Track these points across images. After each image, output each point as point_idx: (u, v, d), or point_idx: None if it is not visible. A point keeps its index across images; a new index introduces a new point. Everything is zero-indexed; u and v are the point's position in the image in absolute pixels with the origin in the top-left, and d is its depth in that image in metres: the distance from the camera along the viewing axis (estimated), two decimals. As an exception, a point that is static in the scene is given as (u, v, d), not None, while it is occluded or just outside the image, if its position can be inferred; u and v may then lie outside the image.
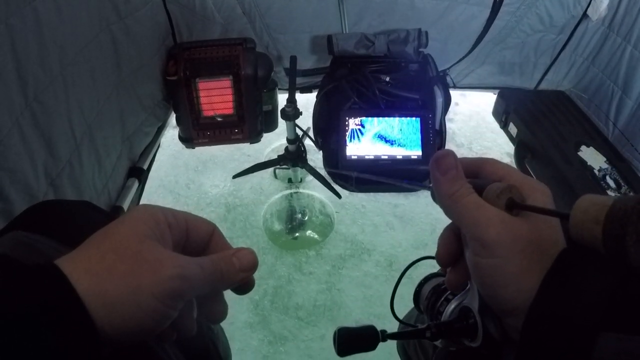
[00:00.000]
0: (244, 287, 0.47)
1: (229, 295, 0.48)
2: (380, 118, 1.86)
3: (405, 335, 0.62)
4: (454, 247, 0.49)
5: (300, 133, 1.93)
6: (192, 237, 0.45)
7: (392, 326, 0.57)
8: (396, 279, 0.78)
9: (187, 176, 2.29)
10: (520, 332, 0.39)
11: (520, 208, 0.42)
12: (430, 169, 0.46)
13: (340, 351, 0.53)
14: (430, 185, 0.48)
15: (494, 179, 0.46)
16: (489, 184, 0.44)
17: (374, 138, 1.84)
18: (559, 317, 0.36)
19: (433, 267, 0.71)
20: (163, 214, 0.42)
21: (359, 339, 0.53)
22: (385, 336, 0.54)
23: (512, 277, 0.40)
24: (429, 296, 0.64)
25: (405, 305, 0.81)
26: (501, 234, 0.40)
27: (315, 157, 2.22)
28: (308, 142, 2.10)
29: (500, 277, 0.40)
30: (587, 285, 0.37)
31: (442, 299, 0.60)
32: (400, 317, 0.81)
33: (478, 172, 0.48)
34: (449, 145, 2.20)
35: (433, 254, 0.72)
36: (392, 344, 0.95)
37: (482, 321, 0.47)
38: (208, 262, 0.42)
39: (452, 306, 0.54)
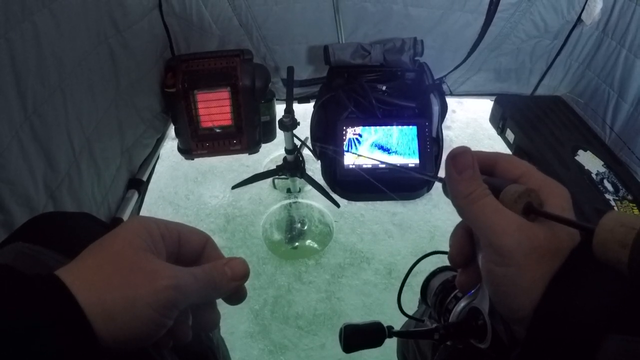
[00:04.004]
0: (236, 296, 0.47)
1: (229, 306, 0.49)
2: (377, 127, 1.87)
3: (413, 334, 0.60)
4: (467, 248, 0.47)
5: (298, 143, 1.93)
6: (185, 247, 0.46)
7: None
8: (396, 287, 0.77)
9: (187, 187, 2.29)
10: (526, 333, 0.38)
11: (540, 215, 0.40)
12: (445, 167, 0.44)
13: (346, 347, 0.52)
14: (443, 178, 0.46)
15: (511, 177, 0.44)
16: (505, 184, 0.42)
17: (372, 147, 1.85)
18: (565, 317, 0.36)
19: (432, 267, 0.72)
20: (156, 225, 0.43)
21: (365, 335, 0.53)
22: (391, 333, 0.53)
23: (526, 287, 0.38)
24: (437, 292, 0.63)
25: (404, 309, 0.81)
26: (518, 242, 0.38)
27: (313, 167, 2.23)
28: (306, 152, 2.11)
29: (513, 287, 0.39)
30: (595, 286, 0.36)
31: (451, 296, 0.59)
32: (400, 321, 0.81)
33: (493, 168, 0.46)
34: (446, 153, 2.21)
35: (433, 261, 0.72)
36: (391, 350, 0.96)
37: (492, 323, 0.46)
38: (201, 272, 0.43)
39: (461, 305, 0.53)
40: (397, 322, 0.78)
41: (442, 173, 0.47)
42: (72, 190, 1.19)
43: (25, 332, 0.32)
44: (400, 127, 1.87)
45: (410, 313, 0.87)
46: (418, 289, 0.79)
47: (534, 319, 0.38)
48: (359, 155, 1.85)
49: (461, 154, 0.43)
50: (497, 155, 0.46)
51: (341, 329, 0.52)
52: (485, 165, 0.45)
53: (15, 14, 0.94)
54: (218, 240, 2.01)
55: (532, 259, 0.38)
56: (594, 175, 1.80)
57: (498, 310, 0.43)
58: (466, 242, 0.46)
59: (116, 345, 0.37)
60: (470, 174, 0.42)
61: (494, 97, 2.39)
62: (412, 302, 0.79)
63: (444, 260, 0.71)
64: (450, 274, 0.67)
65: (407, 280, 0.77)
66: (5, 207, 0.94)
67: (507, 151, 2.27)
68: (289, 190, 2.25)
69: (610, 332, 0.34)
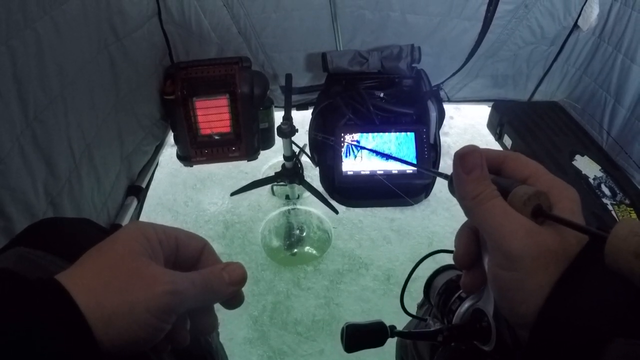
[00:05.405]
0: (233, 301, 0.47)
1: (228, 312, 0.49)
2: (375, 134, 1.88)
3: (415, 335, 0.58)
4: (472, 249, 0.45)
5: (296, 150, 1.94)
6: (183, 252, 0.46)
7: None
8: (394, 293, 0.77)
9: (186, 194, 2.30)
10: (529, 334, 0.38)
11: (550, 219, 0.38)
12: (453, 166, 0.42)
13: (348, 347, 0.52)
14: (450, 175, 0.45)
15: (519, 177, 0.43)
16: (514, 185, 0.40)
17: (370, 153, 1.86)
18: (569, 319, 0.35)
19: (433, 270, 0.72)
20: (154, 231, 0.43)
21: (367, 335, 0.52)
22: (394, 332, 0.53)
23: (532, 292, 0.37)
24: (440, 291, 0.62)
25: (404, 318, 0.81)
26: (526, 247, 0.37)
27: (312, 173, 2.24)
28: (305, 159, 2.12)
29: (520, 292, 0.38)
30: (600, 289, 0.35)
31: (455, 296, 0.58)
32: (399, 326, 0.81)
33: (501, 167, 0.44)
34: (444, 159, 2.21)
35: (431, 266, 0.73)
36: (390, 355, 0.96)
37: (496, 326, 0.45)
38: (198, 277, 0.43)
39: (465, 305, 0.51)
40: (397, 326, 0.79)
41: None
42: (72, 196, 1.19)
43: (26, 335, 0.33)
44: (397, 133, 1.87)
45: (408, 320, 0.87)
46: (416, 295, 0.80)
47: (538, 321, 0.37)
48: (361, 148, 1.85)
49: (469, 153, 0.41)
50: (505, 154, 0.45)
51: (343, 328, 0.52)
52: (492, 164, 0.44)
53: (17, 21, 0.95)
54: (217, 246, 2.01)
55: (540, 264, 0.37)
56: (591, 180, 1.81)
57: (503, 315, 0.43)
58: (472, 243, 0.45)
59: (115, 349, 0.37)
60: (479, 174, 0.41)
61: (491, 103, 2.40)
62: (410, 307, 0.79)
63: (441, 261, 0.71)
64: (454, 273, 0.65)
65: (407, 286, 0.77)
66: (6, 213, 0.94)
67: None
68: (287, 197, 2.26)
69: (615, 336, 0.33)
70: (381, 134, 1.88)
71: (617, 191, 1.75)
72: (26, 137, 1.00)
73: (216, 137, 2.01)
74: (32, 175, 1.02)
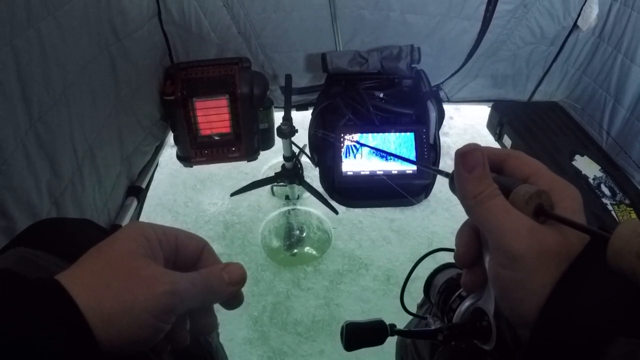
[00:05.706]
0: (233, 301, 0.47)
1: (228, 312, 0.49)
2: (375, 134, 1.88)
3: (415, 334, 0.58)
4: (473, 247, 0.45)
5: (296, 150, 1.94)
6: (182, 252, 0.46)
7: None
8: (394, 293, 0.76)
9: (186, 194, 2.30)
10: (530, 333, 0.38)
11: (552, 218, 0.38)
12: (454, 164, 0.42)
13: (348, 346, 0.52)
14: (451, 173, 0.45)
15: (520, 176, 0.43)
16: (515, 183, 0.40)
17: (369, 154, 1.86)
18: (571, 319, 0.35)
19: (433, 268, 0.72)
20: (154, 231, 0.43)
21: (367, 333, 0.52)
22: (394, 331, 0.53)
23: (534, 292, 0.37)
24: (441, 290, 0.62)
25: (404, 318, 0.81)
26: (528, 246, 0.37)
27: (312, 174, 2.24)
28: (304, 159, 2.12)
29: (521, 292, 0.38)
30: (602, 288, 0.35)
31: (456, 295, 0.58)
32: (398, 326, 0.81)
33: (502, 165, 0.44)
34: (443, 159, 2.22)
35: (430, 266, 0.73)
36: (390, 355, 0.96)
37: (497, 325, 0.45)
38: (198, 277, 0.43)
39: (465, 304, 0.51)
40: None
41: (440, 178, 0.46)
42: (74, 197, 1.19)
43: (26, 335, 0.33)
44: (397, 133, 1.88)
45: (408, 320, 0.87)
46: (416, 294, 0.80)
47: (539, 321, 0.37)
48: (361, 145, 1.85)
49: (471, 152, 0.41)
50: (506, 153, 0.45)
51: (342, 327, 0.52)
52: (494, 163, 0.44)
53: (20, 21, 0.95)
54: (217, 247, 2.01)
55: (542, 263, 0.37)
56: (591, 180, 1.81)
57: (504, 314, 0.43)
58: (473, 241, 0.45)
59: (115, 349, 0.37)
60: (480, 172, 0.41)
61: (491, 104, 2.40)
62: (410, 307, 0.79)
63: (441, 261, 0.71)
64: (454, 272, 0.65)
65: (407, 287, 0.77)
66: (9, 213, 0.94)
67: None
68: (287, 197, 2.26)
69: (616, 335, 0.33)
70: (381, 134, 1.88)
71: (617, 191, 1.75)
72: (30, 137, 1.00)
73: (216, 138, 2.01)
74: (35, 175, 1.02)
